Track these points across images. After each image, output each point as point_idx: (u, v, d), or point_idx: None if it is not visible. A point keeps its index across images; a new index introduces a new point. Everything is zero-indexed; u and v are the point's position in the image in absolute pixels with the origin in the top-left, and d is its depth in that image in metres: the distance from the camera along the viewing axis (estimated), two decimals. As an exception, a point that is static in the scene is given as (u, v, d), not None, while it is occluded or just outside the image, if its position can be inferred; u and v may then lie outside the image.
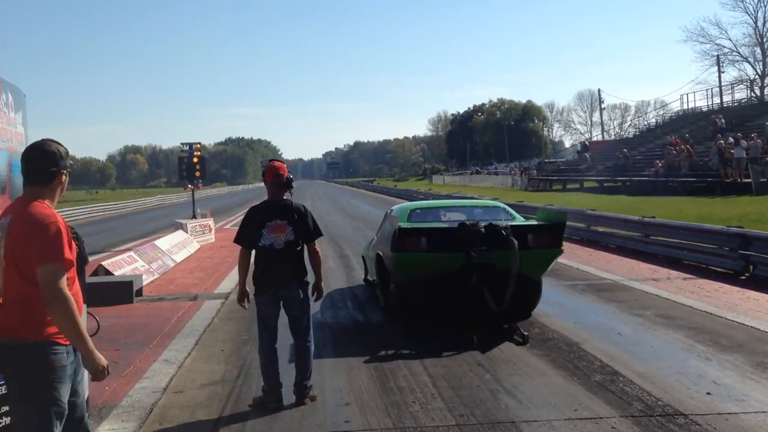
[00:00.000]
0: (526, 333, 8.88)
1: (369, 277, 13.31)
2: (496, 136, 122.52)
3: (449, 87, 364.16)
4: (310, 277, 6.89)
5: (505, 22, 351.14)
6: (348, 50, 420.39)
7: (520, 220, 10.93)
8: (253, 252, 6.79)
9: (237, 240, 6.87)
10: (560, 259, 16.04)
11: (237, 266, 7.04)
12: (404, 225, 9.84)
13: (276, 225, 6.68)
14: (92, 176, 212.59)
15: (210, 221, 24.97)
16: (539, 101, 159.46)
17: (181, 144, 26.34)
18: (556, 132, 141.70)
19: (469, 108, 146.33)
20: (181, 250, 19.29)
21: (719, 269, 13.98)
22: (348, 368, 7.88)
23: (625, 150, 50.66)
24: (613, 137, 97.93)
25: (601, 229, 19.75)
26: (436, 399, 6.73)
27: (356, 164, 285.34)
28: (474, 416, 6.23)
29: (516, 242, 9.07)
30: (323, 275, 7.16)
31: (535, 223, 10.41)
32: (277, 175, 6.78)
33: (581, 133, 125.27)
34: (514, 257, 8.96)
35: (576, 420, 6.06)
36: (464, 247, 9.13)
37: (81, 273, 6.16)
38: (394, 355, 8.37)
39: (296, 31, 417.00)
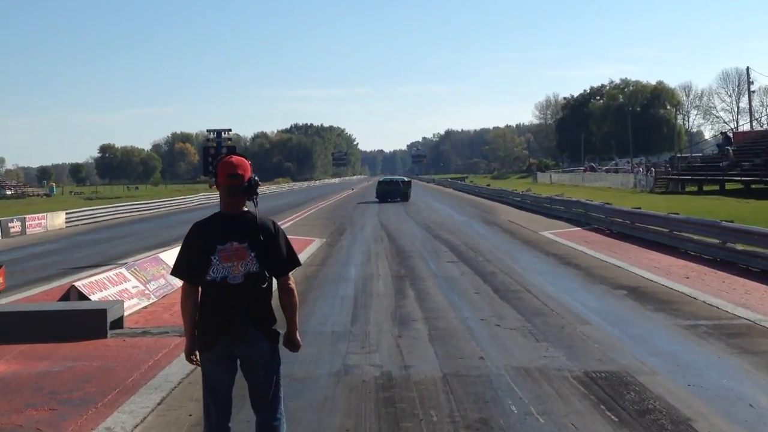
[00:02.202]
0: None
1: (376, 196, 60.97)
2: (618, 125, 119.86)
3: (561, 65, 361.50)
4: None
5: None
6: (442, 21, 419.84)
7: (406, 179, 67.19)
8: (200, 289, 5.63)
9: (175, 271, 5.73)
10: (680, 289, 14.82)
11: (181, 307, 5.87)
12: (379, 179, 72.48)
13: (232, 250, 5.51)
14: (134, 168, 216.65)
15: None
16: (672, 82, 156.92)
17: (208, 131, 25.53)
18: (694, 120, 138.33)
19: (585, 91, 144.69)
20: (196, 265, 18.40)
21: None
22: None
23: (780, 143, 48.30)
24: (765, 127, 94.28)
25: (740, 246, 18.11)
26: None
27: (447, 157, 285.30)
28: None
29: (401, 184, 62.71)
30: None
31: (406, 179, 68.55)
32: (232, 175, 5.60)
33: (724, 122, 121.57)
34: (402, 185, 62.15)
35: None
36: (391, 185, 62.91)
37: None
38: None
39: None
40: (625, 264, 18.85)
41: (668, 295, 14.56)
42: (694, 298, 14.01)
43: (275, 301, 5.61)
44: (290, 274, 5.71)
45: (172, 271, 5.86)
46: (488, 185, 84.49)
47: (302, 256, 21.57)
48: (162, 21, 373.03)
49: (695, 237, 20.60)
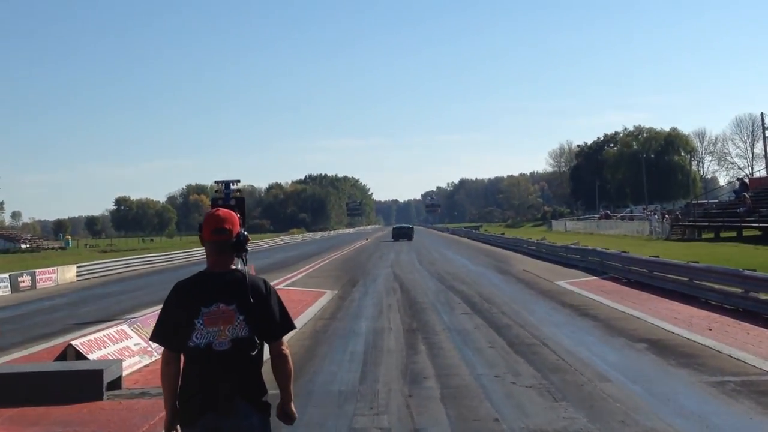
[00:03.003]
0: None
1: (392, 237, 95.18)
2: (632, 172, 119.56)
3: (574, 113, 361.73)
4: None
5: (644, 36, 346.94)
6: (454, 71, 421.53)
7: (410, 226, 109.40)
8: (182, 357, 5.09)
9: (154, 336, 5.19)
10: (704, 341, 14.21)
11: (161, 376, 5.32)
12: (394, 226, 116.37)
13: (218, 313, 4.97)
14: (149, 221, 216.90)
15: (252, 279, 23.69)
16: (686, 129, 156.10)
17: (216, 182, 25.05)
18: (708, 167, 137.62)
19: (598, 138, 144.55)
20: (203, 320, 17.89)
21: None
22: None
23: (797, 189, 47.68)
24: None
25: (763, 296, 17.49)
26: None
27: (461, 206, 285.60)
28: None
29: (408, 228, 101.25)
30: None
31: (410, 225, 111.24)
32: (219, 229, 5.08)
33: (739, 168, 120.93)
34: (408, 230, 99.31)
35: None
36: (401, 229, 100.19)
37: None
38: None
39: (392, 49, 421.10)
40: (644, 315, 18.24)
41: (691, 348, 13.94)
42: (719, 352, 13.38)
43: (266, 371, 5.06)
44: (284, 338, 5.18)
45: (151, 337, 5.32)
46: (503, 234, 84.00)
47: (312, 309, 21.19)
48: (177, 74, 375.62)
49: (716, 286, 19.94)
